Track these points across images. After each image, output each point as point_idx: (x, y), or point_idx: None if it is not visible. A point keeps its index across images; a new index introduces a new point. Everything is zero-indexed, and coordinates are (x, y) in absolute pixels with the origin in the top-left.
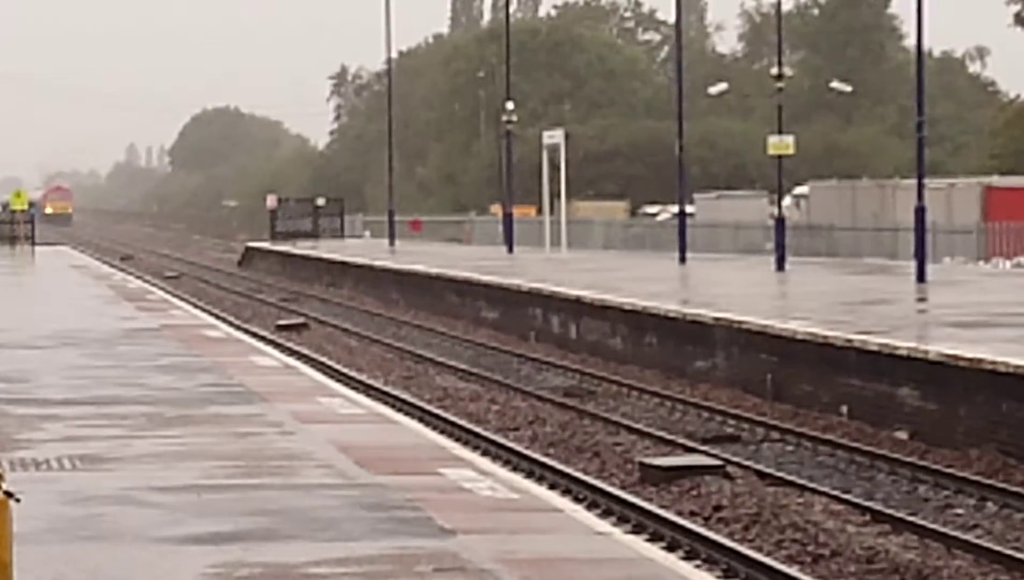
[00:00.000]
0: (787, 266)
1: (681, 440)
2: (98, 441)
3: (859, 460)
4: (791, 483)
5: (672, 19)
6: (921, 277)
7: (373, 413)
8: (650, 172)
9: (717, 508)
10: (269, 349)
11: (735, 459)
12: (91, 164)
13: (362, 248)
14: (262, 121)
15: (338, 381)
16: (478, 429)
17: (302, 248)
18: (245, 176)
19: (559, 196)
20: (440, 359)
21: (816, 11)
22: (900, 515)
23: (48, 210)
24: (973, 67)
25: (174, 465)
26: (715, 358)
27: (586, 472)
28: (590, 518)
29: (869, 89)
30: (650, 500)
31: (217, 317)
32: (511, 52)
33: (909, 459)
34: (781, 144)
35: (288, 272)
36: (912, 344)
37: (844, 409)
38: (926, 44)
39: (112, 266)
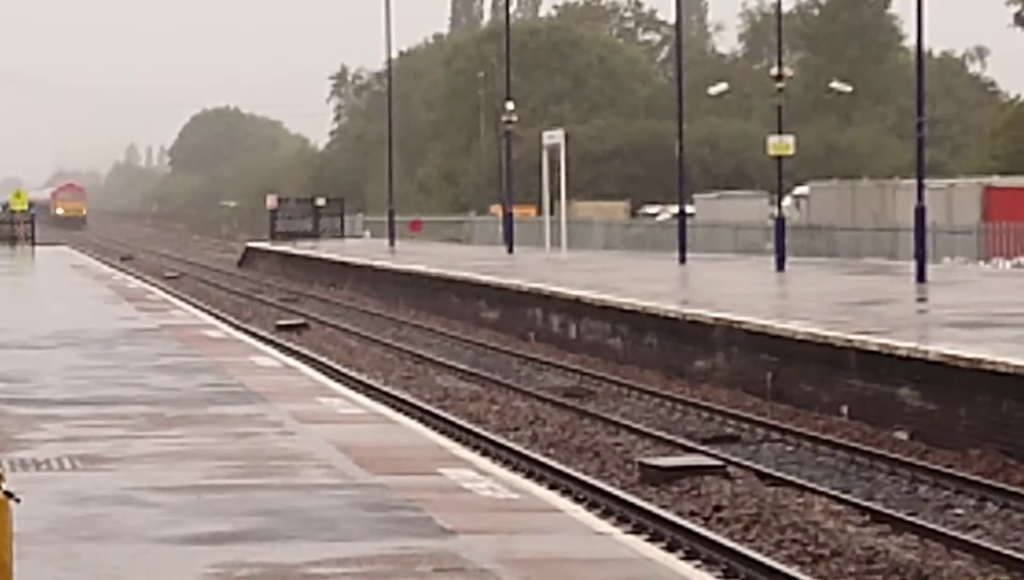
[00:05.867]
0: (787, 266)
1: (681, 440)
2: (98, 441)
3: (859, 460)
4: (791, 483)
5: (672, 19)
6: (921, 277)
7: (373, 413)
8: (650, 172)
9: (717, 508)
10: (269, 349)
11: (735, 459)
12: (91, 164)
13: (362, 248)
14: (262, 121)
15: (338, 381)
16: (478, 429)
17: (302, 248)
18: (245, 176)
19: (559, 196)
20: (440, 359)
21: (816, 11)
22: (900, 515)
23: (59, 211)
24: (973, 67)
25: (174, 465)
26: (715, 358)
27: (586, 472)
28: (590, 518)
29: (869, 89)
30: (650, 500)
31: (217, 317)
32: (511, 52)
33: (909, 459)
34: (781, 144)
35: (288, 272)
36: (912, 344)
37: (844, 409)
38: (926, 44)
39: (112, 266)
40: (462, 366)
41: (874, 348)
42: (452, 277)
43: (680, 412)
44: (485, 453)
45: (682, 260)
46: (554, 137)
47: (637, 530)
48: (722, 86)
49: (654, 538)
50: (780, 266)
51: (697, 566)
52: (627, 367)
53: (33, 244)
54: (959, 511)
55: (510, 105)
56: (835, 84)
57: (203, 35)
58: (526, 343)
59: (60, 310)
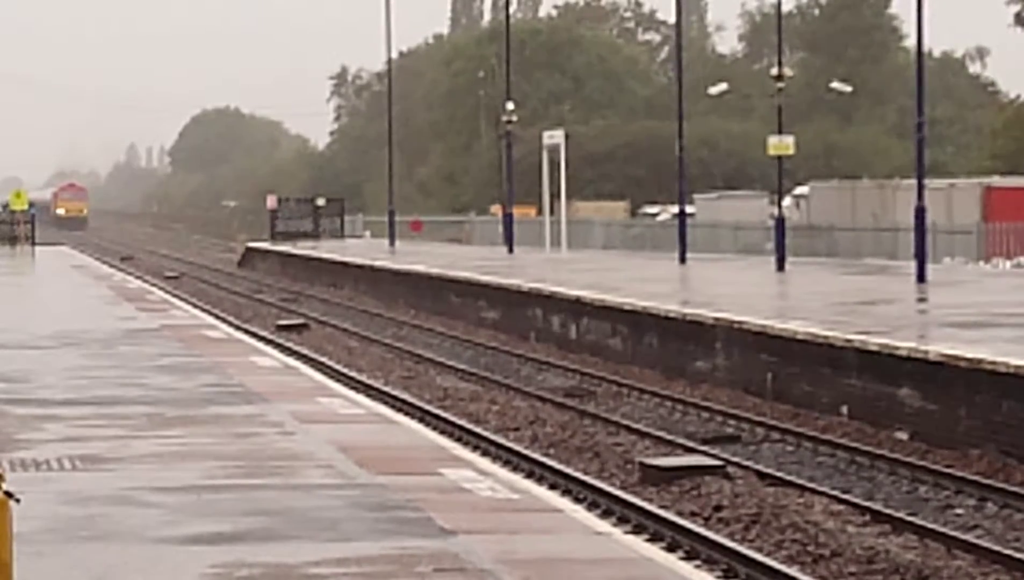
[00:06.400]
0: (787, 266)
1: (681, 440)
2: (98, 441)
3: (859, 460)
4: (791, 483)
5: (672, 19)
6: (921, 277)
7: (373, 413)
8: (650, 172)
9: (717, 508)
10: (269, 349)
11: (735, 459)
12: (91, 164)
13: (362, 248)
14: (262, 121)
15: (338, 381)
16: (478, 429)
17: (302, 248)
18: (245, 176)
19: (559, 196)
20: (440, 359)
21: (816, 11)
22: (900, 515)
23: (60, 211)
24: (973, 67)
25: (174, 465)
26: (715, 358)
27: (586, 472)
28: (590, 518)
29: (869, 89)
30: (650, 500)
31: (217, 317)
32: (511, 52)
33: (909, 459)
34: (781, 144)
35: (288, 272)
36: (912, 344)
37: (844, 409)
38: (926, 44)
39: (112, 266)
40: (462, 366)
41: (874, 348)
42: (452, 277)
43: (680, 412)
44: (485, 453)
45: (682, 260)
46: (554, 137)
47: (637, 530)
48: (722, 86)
49: (654, 538)
50: (780, 266)
51: (697, 566)
52: (627, 367)
53: (33, 244)
54: (959, 511)
55: (510, 105)
56: (835, 84)
57: (203, 35)
58: (526, 343)
59: (60, 310)
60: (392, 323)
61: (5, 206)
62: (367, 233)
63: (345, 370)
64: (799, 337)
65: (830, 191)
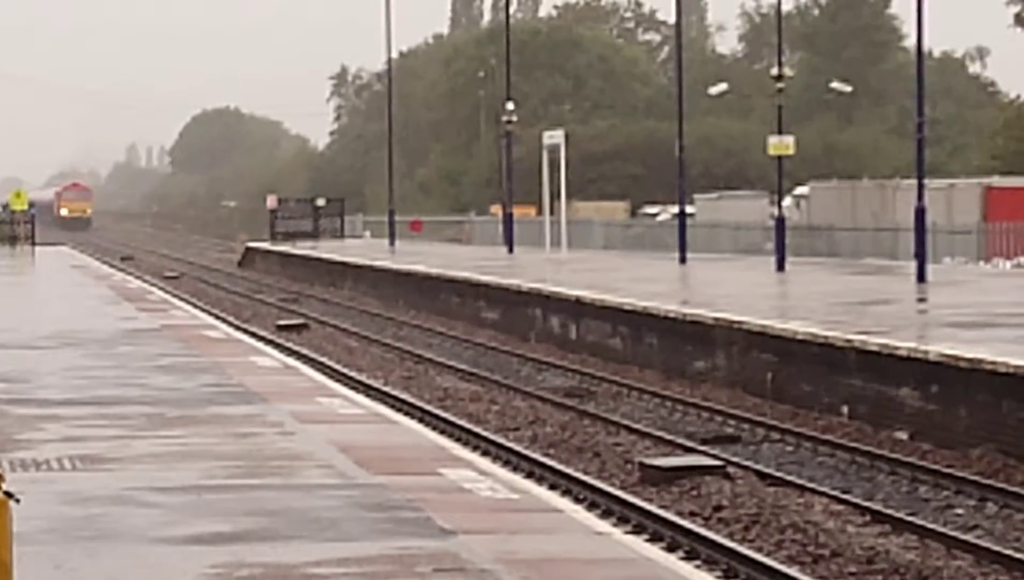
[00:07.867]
0: (787, 266)
1: (681, 440)
2: (98, 441)
3: (859, 460)
4: (791, 483)
5: (672, 19)
6: (921, 277)
7: (373, 413)
8: (650, 172)
9: (717, 508)
10: (269, 349)
11: (735, 459)
12: (91, 164)
13: (362, 248)
14: (262, 121)
15: (338, 381)
16: (478, 429)
17: (302, 248)
18: (245, 176)
19: (559, 196)
20: (440, 359)
21: (816, 11)
22: (900, 515)
23: (63, 212)
24: (973, 67)
25: (174, 465)
26: (715, 358)
27: (586, 472)
28: (590, 518)
29: (869, 89)
30: (650, 500)
31: (217, 317)
32: (511, 52)
33: (909, 459)
34: (781, 144)
35: (288, 272)
36: (912, 344)
37: (844, 409)
38: (926, 44)
39: (112, 266)
40: (462, 366)
41: (874, 348)
42: (452, 277)
43: (680, 412)
44: (485, 453)
45: (682, 260)
46: (554, 137)
47: (637, 530)
48: (722, 86)
49: (654, 538)
50: (780, 266)
51: (697, 566)
52: (627, 367)
53: (33, 244)
54: (959, 511)
55: (510, 105)
56: (835, 84)
57: (203, 35)
58: (526, 343)
59: (60, 310)
60: (392, 323)
61: (5, 206)
62: (367, 233)
63: (345, 370)
64: (799, 337)
65: (830, 191)
